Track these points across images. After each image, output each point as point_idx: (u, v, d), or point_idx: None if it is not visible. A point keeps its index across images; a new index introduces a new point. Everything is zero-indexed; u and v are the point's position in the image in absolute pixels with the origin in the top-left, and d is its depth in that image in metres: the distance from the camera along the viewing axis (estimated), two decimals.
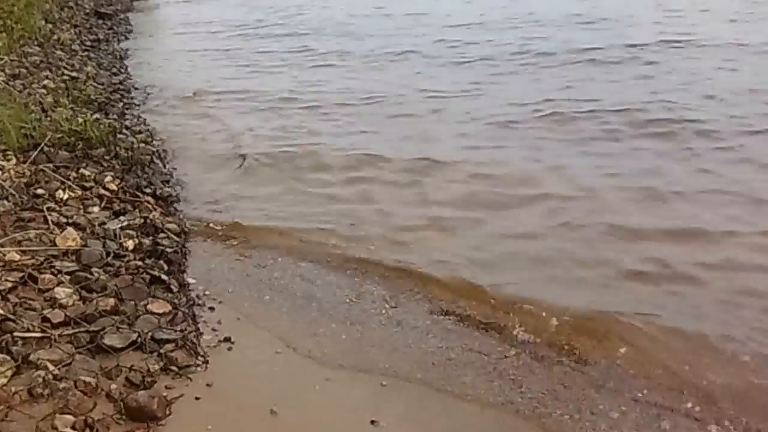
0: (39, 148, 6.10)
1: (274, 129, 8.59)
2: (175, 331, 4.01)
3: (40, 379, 3.31)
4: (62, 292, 4.12)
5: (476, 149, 7.55)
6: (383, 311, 4.54)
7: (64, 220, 5.11)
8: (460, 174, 6.84)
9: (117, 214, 5.46)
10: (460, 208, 6.08)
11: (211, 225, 5.83)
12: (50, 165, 5.97)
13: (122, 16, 17.65)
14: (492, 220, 5.86)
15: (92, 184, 5.90)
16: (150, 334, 3.90)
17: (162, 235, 5.23)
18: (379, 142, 7.95)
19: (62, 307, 4.01)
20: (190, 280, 4.82)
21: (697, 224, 5.57)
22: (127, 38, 15.29)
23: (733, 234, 5.42)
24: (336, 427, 3.43)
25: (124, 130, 7.63)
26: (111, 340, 3.78)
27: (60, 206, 5.35)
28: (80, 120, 6.84)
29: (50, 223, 4.98)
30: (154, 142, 7.81)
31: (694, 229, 5.50)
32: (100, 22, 15.68)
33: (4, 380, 3.33)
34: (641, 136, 7.71)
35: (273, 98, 9.96)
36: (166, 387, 3.53)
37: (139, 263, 4.69)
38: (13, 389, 3.25)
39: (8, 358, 3.46)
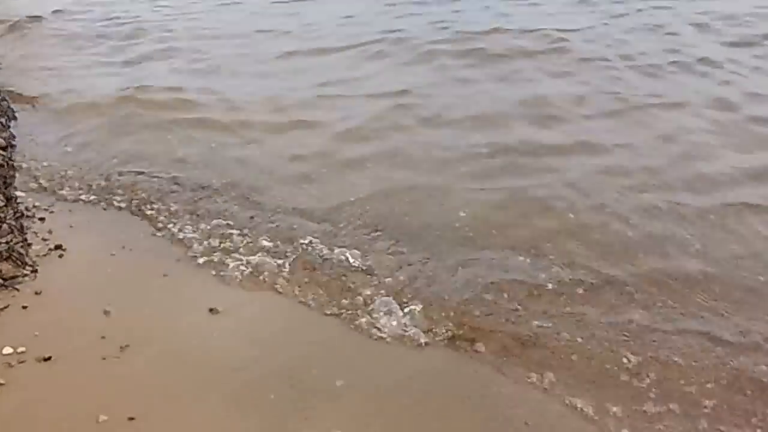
0: None
1: (118, 62, 7.98)
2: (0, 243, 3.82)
3: None
4: None
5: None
6: (225, 207, 4.48)
7: None
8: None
9: None
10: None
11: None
12: None
13: None
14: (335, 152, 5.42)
15: None
16: None
17: None
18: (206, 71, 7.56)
19: None
20: (19, 194, 4.57)
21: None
22: None
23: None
24: (173, 318, 3.40)
25: None
26: None
27: None
28: None
29: None
30: None
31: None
32: None
33: None
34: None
35: (125, 28, 9.35)
36: None
37: None
38: None
39: None
